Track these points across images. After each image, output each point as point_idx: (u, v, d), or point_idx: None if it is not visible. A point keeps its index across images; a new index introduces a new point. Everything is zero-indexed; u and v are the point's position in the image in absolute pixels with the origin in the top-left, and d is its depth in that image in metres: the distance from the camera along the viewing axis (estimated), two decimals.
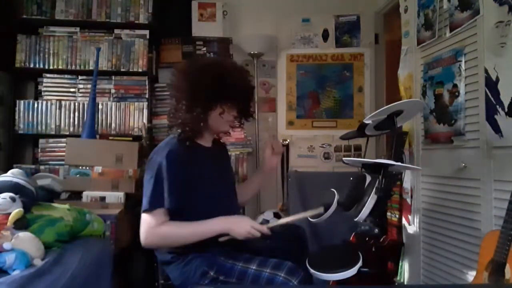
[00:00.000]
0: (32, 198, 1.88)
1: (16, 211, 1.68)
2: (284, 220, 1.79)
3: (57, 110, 3.02)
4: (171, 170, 1.56)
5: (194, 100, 1.60)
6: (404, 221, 2.45)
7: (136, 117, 3.07)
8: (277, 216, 3.01)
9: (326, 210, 1.96)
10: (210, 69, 1.65)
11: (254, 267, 1.50)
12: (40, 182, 2.34)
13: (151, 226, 1.53)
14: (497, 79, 1.68)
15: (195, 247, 1.59)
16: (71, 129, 3.01)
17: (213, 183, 1.68)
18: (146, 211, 1.55)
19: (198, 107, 1.60)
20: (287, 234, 1.88)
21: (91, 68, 2.99)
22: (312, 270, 1.66)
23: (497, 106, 1.68)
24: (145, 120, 3.06)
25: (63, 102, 3.03)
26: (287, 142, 3.47)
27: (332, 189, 2.04)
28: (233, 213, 1.68)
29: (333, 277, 1.69)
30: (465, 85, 1.92)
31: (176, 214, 1.57)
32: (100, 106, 3.02)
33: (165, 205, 1.54)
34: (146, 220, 1.55)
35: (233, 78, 1.65)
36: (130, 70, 3.09)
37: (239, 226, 1.55)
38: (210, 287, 1.47)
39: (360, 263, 1.68)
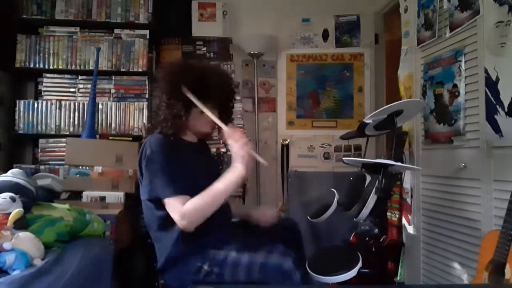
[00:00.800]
0: (32, 198, 1.88)
1: (16, 211, 1.68)
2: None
3: (57, 110, 3.02)
4: (166, 158, 1.57)
5: (175, 97, 1.62)
6: (404, 221, 2.45)
7: (136, 117, 3.07)
8: None
9: (325, 209, 1.97)
10: (192, 68, 1.70)
11: (246, 255, 1.52)
12: (40, 182, 2.34)
13: (180, 208, 1.52)
14: (497, 79, 1.68)
15: (186, 245, 1.59)
16: (71, 129, 3.01)
17: (200, 174, 1.67)
18: (169, 196, 1.54)
19: (178, 104, 1.62)
20: (279, 226, 1.87)
21: (91, 68, 2.99)
22: (312, 273, 1.67)
23: (497, 106, 1.68)
24: (145, 120, 3.06)
25: (63, 102, 3.03)
26: (287, 142, 3.48)
27: (332, 189, 2.05)
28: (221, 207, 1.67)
29: (333, 280, 1.70)
30: (465, 85, 1.92)
31: None
32: (100, 106, 3.02)
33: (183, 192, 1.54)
34: (173, 205, 1.54)
35: (214, 79, 1.69)
36: (130, 70, 3.09)
37: (238, 159, 1.55)
38: (210, 286, 1.46)
39: (359, 265, 1.68)
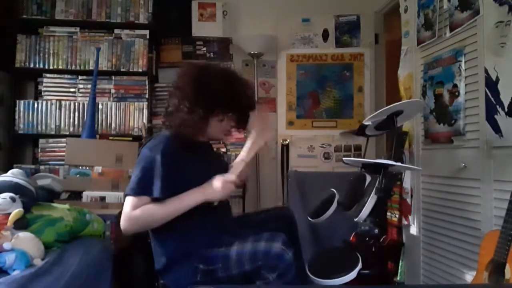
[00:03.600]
0: (32, 198, 1.88)
1: (16, 211, 1.68)
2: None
3: (57, 110, 3.02)
4: (166, 163, 1.55)
5: (199, 104, 1.60)
6: (404, 221, 2.45)
7: (136, 117, 3.07)
8: None
9: (325, 209, 1.97)
10: (222, 75, 1.68)
11: (235, 247, 1.52)
12: (40, 182, 2.33)
13: (126, 211, 1.52)
14: (497, 79, 1.68)
15: (183, 246, 1.59)
16: (71, 129, 3.02)
17: (209, 173, 1.67)
18: (128, 195, 1.54)
19: (200, 110, 1.60)
20: (274, 216, 1.88)
21: (91, 68, 3.00)
22: (312, 277, 1.67)
23: (497, 106, 1.68)
24: (145, 120, 3.06)
25: (63, 102, 3.03)
26: (287, 142, 3.48)
27: (332, 189, 2.04)
28: (227, 203, 1.67)
29: (333, 283, 1.70)
30: (465, 85, 1.92)
31: None
32: (100, 106, 3.03)
33: (154, 194, 1.52)
34: (126, 203, 1.53)
35: (242, 90, 1.69)
36: (130, 70, 3.10)
37: (213, 190, 1.55)
38: (210, 286, 1.47)
39: (359, 266, 1.68)
